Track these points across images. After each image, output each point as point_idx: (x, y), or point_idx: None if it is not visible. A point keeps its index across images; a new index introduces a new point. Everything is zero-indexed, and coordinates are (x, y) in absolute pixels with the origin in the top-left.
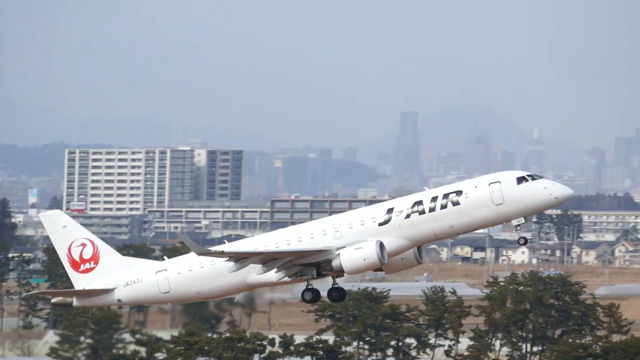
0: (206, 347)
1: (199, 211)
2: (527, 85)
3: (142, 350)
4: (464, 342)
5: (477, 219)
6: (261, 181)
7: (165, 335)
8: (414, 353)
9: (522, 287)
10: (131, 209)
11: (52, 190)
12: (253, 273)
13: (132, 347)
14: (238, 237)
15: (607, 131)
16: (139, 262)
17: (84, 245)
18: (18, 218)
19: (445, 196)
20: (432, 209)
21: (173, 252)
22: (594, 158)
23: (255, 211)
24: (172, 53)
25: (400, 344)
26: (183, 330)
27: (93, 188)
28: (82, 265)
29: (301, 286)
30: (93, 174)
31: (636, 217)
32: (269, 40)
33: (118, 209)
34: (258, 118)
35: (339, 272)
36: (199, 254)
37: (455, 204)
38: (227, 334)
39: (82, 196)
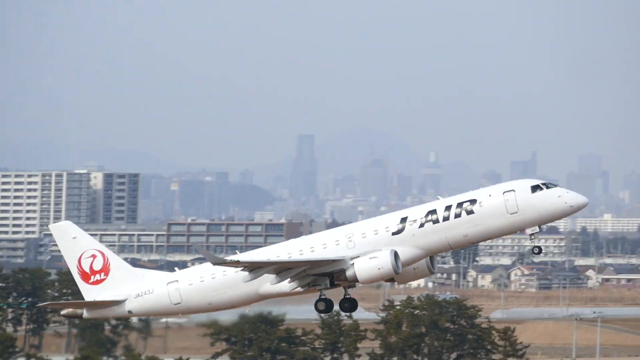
0: None
1: (96, 234)
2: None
3: None
4: None
5: (491, 228)
6: (158, 204)
7: (60, 359)
8: None
9: (417, 311)
10: (27, 232)
11: None
12: (266, 283)
13: None
14: (134, 260)
15: (504, 155)
16: (150, 273)
17: (94, 256)
18: None
19: (459, 205)
20: (446, 218)
21: (68, 275)
22: (490, 181)
23: (152, 234)
24: (68, 77)
25: None
26: (79, 355)
27: None
28: (92, 277)
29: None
30: None
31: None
32: (162, 63)
33: (14, 232)
34: (155, 141)
35: (353, 281)
36: (215, 264)
37: (470, 212)
38: (123, 358)
39: None
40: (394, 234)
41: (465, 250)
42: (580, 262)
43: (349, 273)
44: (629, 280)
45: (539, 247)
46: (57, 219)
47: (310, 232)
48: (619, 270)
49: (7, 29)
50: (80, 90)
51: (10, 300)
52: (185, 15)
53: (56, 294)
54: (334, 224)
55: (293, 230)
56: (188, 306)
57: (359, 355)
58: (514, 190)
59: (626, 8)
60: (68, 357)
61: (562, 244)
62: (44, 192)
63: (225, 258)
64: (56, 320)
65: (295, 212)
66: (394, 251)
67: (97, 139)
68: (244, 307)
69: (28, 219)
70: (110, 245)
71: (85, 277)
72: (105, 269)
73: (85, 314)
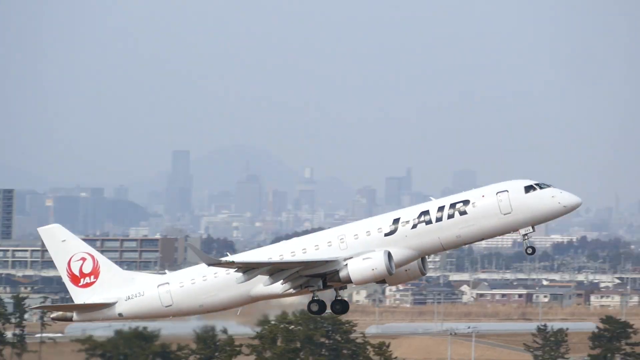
0: None
1: None
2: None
3: None
4: None
5: (484, 229)
6: (32, 220)
7: None
8: None
9: (292, 326)
10: None
11: None
12: (258, 285)
13: None
14: (9, 276)
15: (378, 171)
16: (140, 275)
17: (83, 259)
18: None
19: (453, 206)
20: (439, 219)
21: None
22: (364, 197)
23: (27, 250)
24: None
25: None
26: None
27: None
28: (82, 280)
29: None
30: None
31: None
32: (41, 83)
33: None
34: (29, 157)
35: (347, 282)
36: (209, 265)
37: (463, 213)
38: None
39: None
40: (386, 235)
41: None
42: (454, 277)
43: (342, 274)
44: (503, 295)
45: (533, 247)
46: None
47: (185, 248)
48: (494, 286)
49: None
50: None
51: None
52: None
53: None
54: (208, 240)
55: (168, 245)
56: (179, 308)
57: None
58: (507, 191)
59: (622, 8)
60: None
61: (437, 259)
62: None
63: (221, 259)
64: None
65: (170, 227)
66: (387, 252)
67: None
68: (235, 309)
69: None
70: None
71: (75, 280)
72: (95, 272)
73: (75, 317)
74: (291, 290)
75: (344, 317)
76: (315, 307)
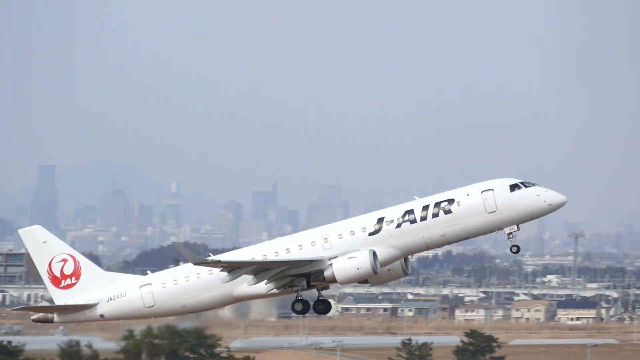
0: None
1: None
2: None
3: None
4: None
5: (469, 227)
6: None
7: None
8: None
9: (157, 340)
10: None
11: None
12: (242, 284)
13: None
14: None
15: (245, 185)
16: (122, 277)
17: (65, 260)
18: None
19: (437, 205)
20: (423, 218)
21: None
22: (231, 212)
23: None
24: None
25: None
26: None
27: None
28: (63, 281)
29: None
30: None
31: None
32: None
33: None
34: None
35: (331, 282)
36: (196, 264)
37: (448, 212)
38: None
39: None
40: (370, 234)
41: None
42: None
43: (327, 273)
44: (368, 309)
45: (517, 246)
46: None
47: None
48: (359, 300)
49: None
50: None
51: None
52: None
53: None
54: None
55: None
56: (161, 309)
57: None
58: (492, 189)
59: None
60: None
61: None
62: None
63: (207, 258)
64: None
65: None
66: (372, 251)
67: None
68: (217, 309)
69: None
70: None
71: (56, 281)
72: (77, 273)
73: (56, 318)
74: (275, 290)
75: (209, 331)
76: (299, 307)
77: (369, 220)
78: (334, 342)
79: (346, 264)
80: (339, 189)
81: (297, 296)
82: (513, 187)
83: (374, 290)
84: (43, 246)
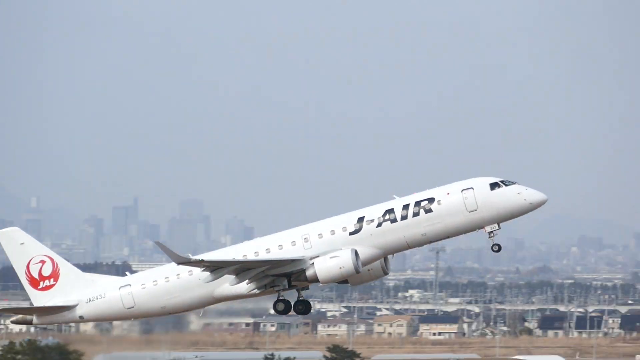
0: None
1: None
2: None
3: None
4: None
5: (450, 226)
6: None
7: None
8: None
9: (19, 357)
10: None
11: None
12: (222, 285)
13: None
14: None
15: (106, 200)
16: (101, 278)
17: (43, 262)
18: None
19: (417, 204)
20: (404, 217)
21: None
22: (92, 227)
23: None
24: None
25: None
26: None
27: None
28: (41, 283)
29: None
30: None
31: None
32: None
33: None
34: None
35: (313, 281)
36: (179, 263)
37: (428, 211)
38: None
39: None
40: (351, 233)
41: None
42: None
43: (309, 273)
44: (230, 324)
45: (499, 245)
46: None
47: None
48: (221, 313)
49: None
50: None
51: None
52: None
53: None
54: None
55: None
56: (141, 310)
57: None
58: (472, 188)
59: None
60: None
61: None
62: None
63: (190, 257)
64: None
65: None
66: (354, 250)
67: None
68: (197, 310)
69: None
70: None
71: (34, 283)
72: (55, 275)
73: (35, 320)
74: (255, 291)
75: (71, 347)
76: (281, 307)
77: (349, 220)
78: (196, 357)
79: (328, 263)
80: (200, 203)
81: (278, 296)
82: (493, 186)
83: (236, 306)
84: (21, 247)
